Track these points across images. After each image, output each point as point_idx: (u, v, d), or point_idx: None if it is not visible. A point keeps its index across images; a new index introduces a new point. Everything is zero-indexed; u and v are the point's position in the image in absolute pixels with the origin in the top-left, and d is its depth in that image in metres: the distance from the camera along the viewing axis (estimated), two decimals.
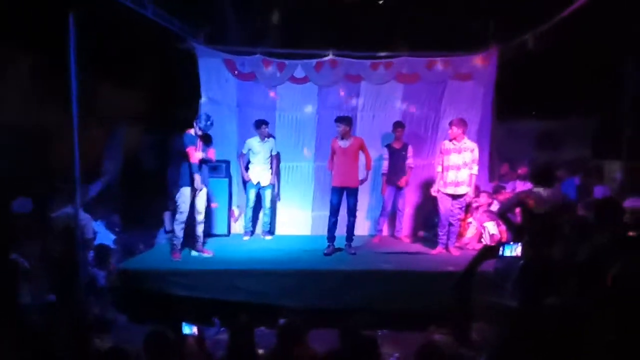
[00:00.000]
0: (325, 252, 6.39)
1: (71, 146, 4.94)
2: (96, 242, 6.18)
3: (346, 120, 6.34)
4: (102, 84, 7.98)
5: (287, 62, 7.44)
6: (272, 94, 7.65)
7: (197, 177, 5.92)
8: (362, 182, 6.42)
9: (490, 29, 7.44)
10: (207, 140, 6.13)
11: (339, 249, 6.48)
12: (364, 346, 3.24)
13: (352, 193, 6.35)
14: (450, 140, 6.35)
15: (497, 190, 7.03)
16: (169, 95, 7.88)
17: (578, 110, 8.75)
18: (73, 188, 5.10)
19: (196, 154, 5.93)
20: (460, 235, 6.78)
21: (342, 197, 6.37)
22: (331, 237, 6.45)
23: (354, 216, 6.46)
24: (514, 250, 3.72)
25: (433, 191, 6.51)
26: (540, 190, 4.62)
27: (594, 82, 7.68)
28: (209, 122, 6.00)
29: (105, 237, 6.58)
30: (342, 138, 6.33)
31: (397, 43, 7.42)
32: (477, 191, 6.90)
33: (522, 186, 6.91)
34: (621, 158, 7.60)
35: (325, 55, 7.39)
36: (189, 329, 3.39)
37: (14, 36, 6.51)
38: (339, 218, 6.46)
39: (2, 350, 3.41)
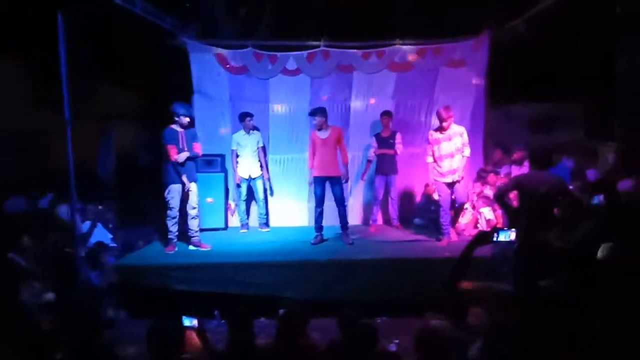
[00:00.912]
0: (312, 242, 6.44)
1: (64, 144, 4.92)
2: (93, 240, 6.18)
3: (320, 112, 6.33)
4: (93, 83, 7.93)
5: (278, 54, 7.41)
6: (264, 86, 7.62)
7: (184, 177, 5.97)
8: (345, 179, 6.44)
9: (481, 13, 7.40)
10: (190, 134, 6.12)
11: (326, 240, 6.51)
12: (363, 335, 3.26)
13: (336, 182, 6.36)
14: (437, 130, 6.28)
15: (488, 174, 7.05)
16: (161, 91, 7.83)
17: (571, 93, 8.75)
18: (67, 186, 5.09)
19: (175, 150, 5.91)
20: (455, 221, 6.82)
21: (325, 187, 6.39)
22: (318, 227, 6.48)
23: (344, 205, 6.47)
24: (508, 236, 3.73)
25: (431, 184, 6.49)
26: (537, 173, 4.64)
27: (586, 65, 7.68)
28: (189, 106, 5.98)
29: (102, 235, 6.58)
30: (320, 129, 6.34)
31: (389, 32, 7.39)
32: (478, 177, 6.93)
33: (517, 171, 6.93)
34: (614, 140, 7.61)
35: (316, 47, 7.37)
36: (189, 322, 3.40)
37: (6, 38, 6.47)
38: (329, 209, 6.48)
39: (2, 350, 3.42)
